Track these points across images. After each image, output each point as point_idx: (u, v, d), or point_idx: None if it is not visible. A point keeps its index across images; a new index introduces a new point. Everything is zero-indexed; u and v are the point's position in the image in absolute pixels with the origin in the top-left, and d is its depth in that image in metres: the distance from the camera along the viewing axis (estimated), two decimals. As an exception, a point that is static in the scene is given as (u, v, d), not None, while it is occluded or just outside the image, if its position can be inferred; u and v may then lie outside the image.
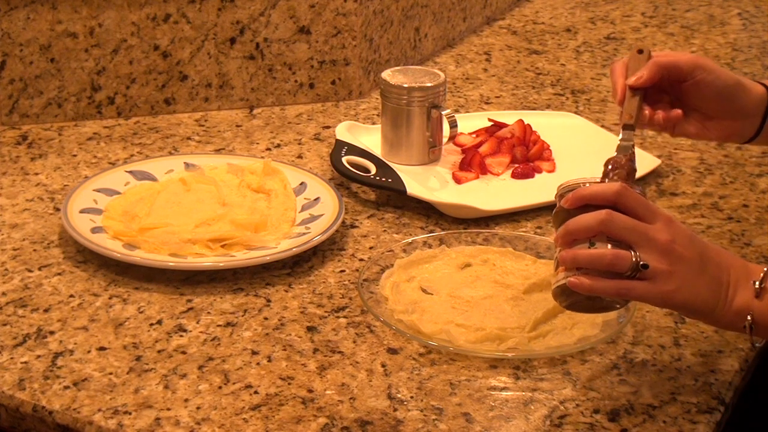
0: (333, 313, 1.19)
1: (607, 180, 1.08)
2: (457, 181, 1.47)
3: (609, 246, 1.00)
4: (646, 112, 1.15)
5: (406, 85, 1.47)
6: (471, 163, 1.48)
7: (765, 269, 1.02)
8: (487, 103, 1.74)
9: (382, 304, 1.18)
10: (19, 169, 1.48)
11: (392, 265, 1.24)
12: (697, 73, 1.15)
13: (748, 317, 1.01)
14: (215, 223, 1.30)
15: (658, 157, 1.53)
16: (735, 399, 1.10)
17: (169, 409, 1.03)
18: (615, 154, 1.11)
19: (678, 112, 1.16)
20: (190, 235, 1.27)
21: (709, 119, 1.18)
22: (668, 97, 1.18)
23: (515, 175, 1.48)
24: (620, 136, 1.13)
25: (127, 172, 1.41)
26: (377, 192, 1.43)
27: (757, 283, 1.02)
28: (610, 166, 1.09)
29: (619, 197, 1.01)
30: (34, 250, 1.29)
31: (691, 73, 1.15)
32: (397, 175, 1.42)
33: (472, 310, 1.18)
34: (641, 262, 0.99)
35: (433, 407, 1.05)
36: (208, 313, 1.18)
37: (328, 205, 1.34)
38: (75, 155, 1.52)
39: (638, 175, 1.46)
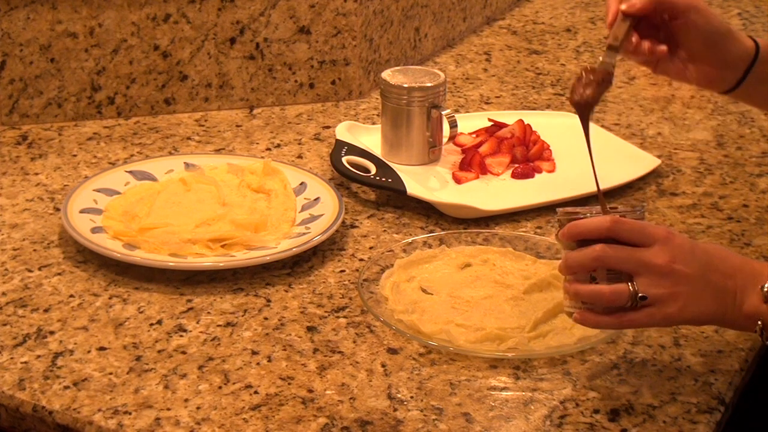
0: (333, 313, 1.19)
1: (580, 83, 1.13)
2: (457, 181, 1.47)
3: (608, 277, 1.00)
4: (633, 39, 1.16)
5: (406, 85, 1.47)
6: (471, 163, 1.48)
7: None
8: (487, 103, 1.74)
9: (382, 304, 1.18)
10: (19, 169, 1.48)
11: (392, 265, 1.24)
12: (690, 13, 1.16)
13: (759, 322, 1.01)
14: (215, 223, 1.30)
15: (658, 157, 1.53)
16: (735, 399, 1.10)
17: (169, 409, 1.03)
18: None
19: (663, 48, 1.17)
20: (190, 235, 1.27)
21: (693, 62, 1.19)
22: (659, 33, 1.18)
23: (515, 175, 1.48)
24: (602, 57, 1.15)
25: (127, 172, 1.41)
26: (377, 192, 1.43)
27: (765, 287, 1.01)
28: (584, 71, 1.13)
29: (610, 232, 1.00)
30: (34, 250, 1.29)
31: (685, 13, 1.16)
32: (397, 175, 1.42)
33: (472, 310, 1.17)
34: (639, 294, 0.99)
35: (433, 407, 1.05)
36: (208, 313, 1.18)
37: (328, 205, 1.34)
38: (75, 155, 1.52)
39: (639, 175, 1.47)
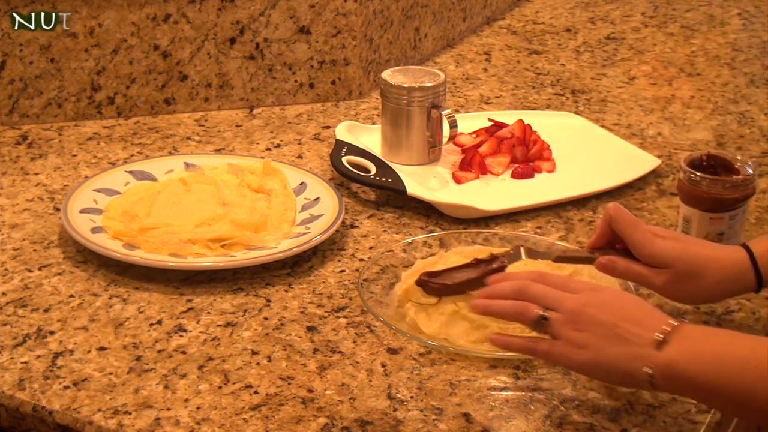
0: (333, 313, 1.19)
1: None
2: (457, 181, 1.47)
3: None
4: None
5: (406, 85, 1.47)
6: (471, 163, 1.48)
7: (669, 323, 0.97)
8: (487, 103, 1.74)
9: (410, 328, 1.15)
10: (19, 169, 1.48)
11: (399, 278, 1.22)
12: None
13: (647, 371, 0.96)
14: (215, 223, 1.30)
15: (658, 157, 1.53)
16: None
17: (169, 409, 1.03)
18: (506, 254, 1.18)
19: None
20: (190, 235, 1.27)
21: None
22: None
23: (515, 175, 1.48)
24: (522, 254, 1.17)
25: (127, 172, 1.41)
26: (377, 192, 1.43)
27: (656, 335, 0.96)
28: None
29: (542, 278, 1.05)
30: (34, 250, 1.29)
31: None
32: (397, 175, 1.42)
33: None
34: (543, 314, 1.01)
35: (433, 407, 1.05)
36: (208, 313, 1.18)
37: (328, 205, 1.34)
38: (75, 155, 1.52)
39: (639, 175, 1.47)
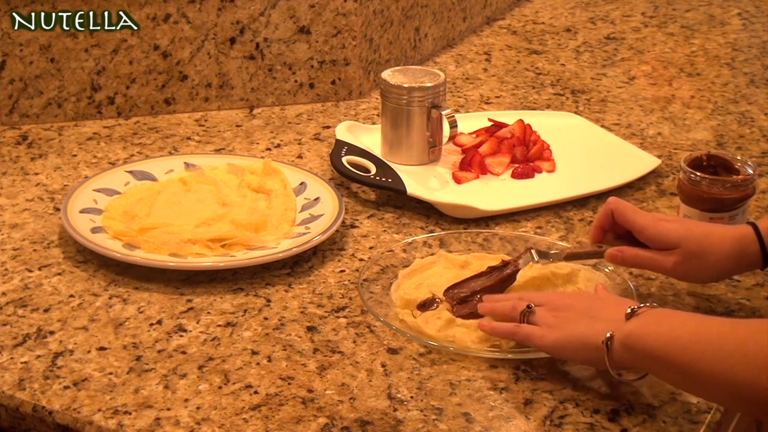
0: (333, 313, 1.19)
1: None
2: (457, 181, 1.47)
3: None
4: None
5: (406, 85, 1.47)
6: (471, 163, 1.48)
7: (642, 304, 1.03)
8: (487, 103, 1.74)
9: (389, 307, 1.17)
10: (19, 169, 1.48)
11: (397, 276, 1.22)
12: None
13: (608, 333, 1.01)
14: (215, 223, 1.30)
15: (658, 157, 1.53)
16: (735, 399, 1.09)
17: (169, 409, 1.03)
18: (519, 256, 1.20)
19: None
20: (190, 235, 1.27)
21: None
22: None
23: (515, 175, 1.48)
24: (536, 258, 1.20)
25: (127, 172, 1.41)
26: (377, 192, 1.43)
27: (629, 309, 1.03)
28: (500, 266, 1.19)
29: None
30: (34, 250, 1.29)
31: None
32: (397, 175, 1.42)
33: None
34: (529, 304, 1.09)
35: (433, 407, 1.05)
36: (208, 313, 1.18)
37: (328, 205, 1.34)
38: (75, 155, 1.52)
39: (639, 175, 1.47)
